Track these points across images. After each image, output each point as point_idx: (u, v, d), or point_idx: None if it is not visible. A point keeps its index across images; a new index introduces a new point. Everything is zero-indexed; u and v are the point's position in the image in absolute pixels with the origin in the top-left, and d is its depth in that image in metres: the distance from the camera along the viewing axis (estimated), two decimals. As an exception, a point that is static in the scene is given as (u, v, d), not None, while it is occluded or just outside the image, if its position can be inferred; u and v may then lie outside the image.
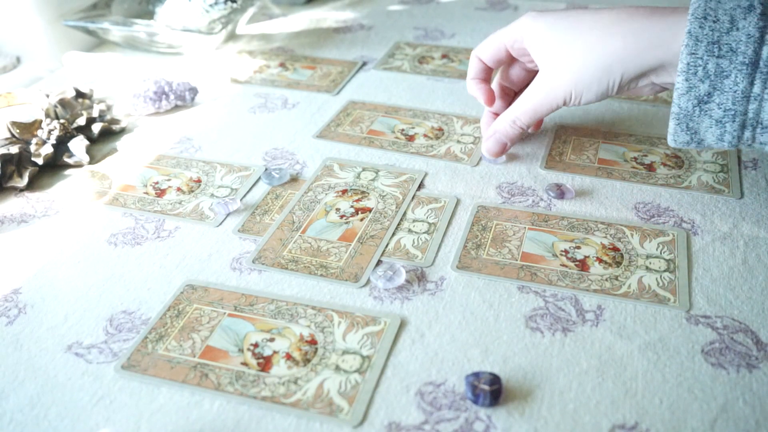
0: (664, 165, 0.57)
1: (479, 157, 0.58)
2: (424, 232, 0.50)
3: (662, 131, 0.62)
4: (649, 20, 0.46)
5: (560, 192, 0.53)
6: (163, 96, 0.67)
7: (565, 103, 0.51)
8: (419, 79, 0.73)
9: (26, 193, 0.56)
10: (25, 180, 0.56)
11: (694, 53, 0.43)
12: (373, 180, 0.56)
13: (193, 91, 0.69)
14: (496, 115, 0.58)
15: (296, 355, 0.40)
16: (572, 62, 0.49)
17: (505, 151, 0.57)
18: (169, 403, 0.38)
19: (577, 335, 0.41)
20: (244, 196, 0.55)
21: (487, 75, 0.57)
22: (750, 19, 0.42)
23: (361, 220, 0.51)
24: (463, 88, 0.70)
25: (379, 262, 0.47)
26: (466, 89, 0.58)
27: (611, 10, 0.49)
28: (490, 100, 0.57)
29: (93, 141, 0.62)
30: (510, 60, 0.57)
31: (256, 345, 0.41)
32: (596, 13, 0.49)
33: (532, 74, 0.58)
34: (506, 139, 0.55)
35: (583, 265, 0.46)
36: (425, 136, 0.62)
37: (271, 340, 0.41)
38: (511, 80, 0.59)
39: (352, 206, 0.53)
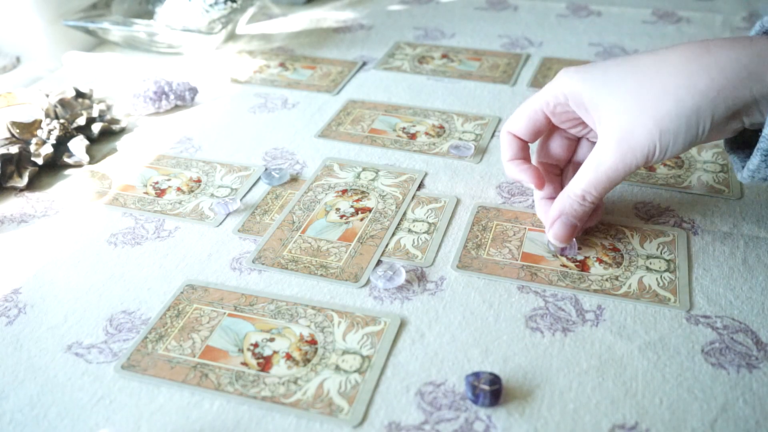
0: (664, 165, 0.57)
1: (550, 249, 0.48)
2: (424, 232, 0.50)
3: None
4: (732, 51, 0.39)
5: (560, 248, 0.48)
6: (163, 96, 0.67)
7: (647, 162, 0.42)
8: (419, 79, 0.73)
9: (26, 193, 0.56)
10: (25, 180, 0.56)
11: None
12: (373, 180, 0.56)
13: (193, 91, 0.69)
14: (551, 199, 0.48)
15: (296, 355, 0.40)
16: (650, 112, 0.40)
17: (576, 233, 0.46)
18: (169, 403, 0.38)
19: (577, 335, 0.41)
20: (244, 196, 0.55)
21: (525, 153, 0.48)
22: None
23: (361, 220, 0.51)
24: (463, 88, 0.70)
25: (379, 262, 0.47)
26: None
27: (674, 49, 0.41)
28: (541, 181, 0.47)
29: (93, 141, 0.62)
30: (549, 130, 0.49)
31: (256, 345, 0.41)
32: (657, 54, 0.42)
33: (576, 142, 0.50)
34: (576, 219, 0.45)
35: (583, 265, 0.46)
36: (426, 134, 0.62)
37: (271, 340, 0.41)
38: (553, 155, 0.50)
39: (352, 206, 0.53)
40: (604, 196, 0.44)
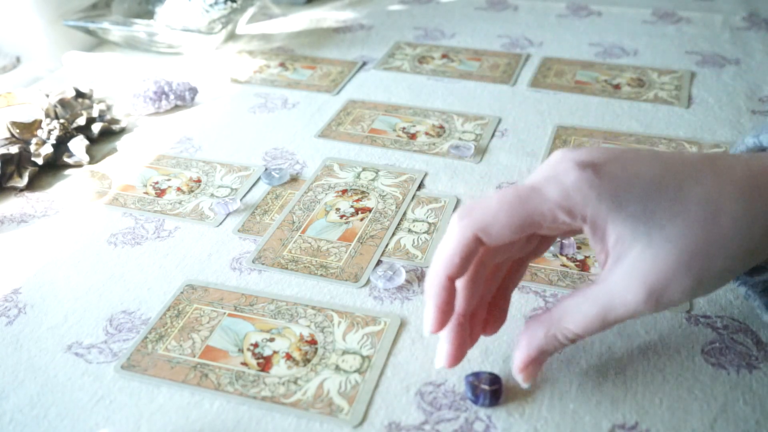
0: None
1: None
2: (424, 232, 0.50)
3: (662, 131, 0.62)
4: None
5: (560, 245, 0.48)
6: (163, 96, 0.67)
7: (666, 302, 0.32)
8: (419, 79, 0.73)
9: (26, 193, 0.56)
10: (25, 180, 0.56)
11: None
12: (373, 180, 0.56)
13: (193, 91, 0.69)
14: (464, 318, 0.37)
15: (296, 355, 0.40)
16: (695, 271, 0.31)
17: (537, 371, 0.36)
18: (169, 403, 0.38)
19: (577, 335, 0.41)
20: (244, 196, 0.55)
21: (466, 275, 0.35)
22: None
23: (361, 220, 0.51)
24: (463, 88, 0.70)
25: (379, 262, 0.47)
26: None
27: (728, 182, 0.32)
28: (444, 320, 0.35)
29: (93, 141, 0.62)
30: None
31: (256, 345, 0.41)
32: (708, 186, 0.32)
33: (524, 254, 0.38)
34: (545, 357, 0.36)
35: (583, 265, 0.46)
36: (426, 134, 0.62)
37: (271, 340, 0.41)
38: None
39: (352, 206, 0.53)
40: (585, 336, 0.34)
